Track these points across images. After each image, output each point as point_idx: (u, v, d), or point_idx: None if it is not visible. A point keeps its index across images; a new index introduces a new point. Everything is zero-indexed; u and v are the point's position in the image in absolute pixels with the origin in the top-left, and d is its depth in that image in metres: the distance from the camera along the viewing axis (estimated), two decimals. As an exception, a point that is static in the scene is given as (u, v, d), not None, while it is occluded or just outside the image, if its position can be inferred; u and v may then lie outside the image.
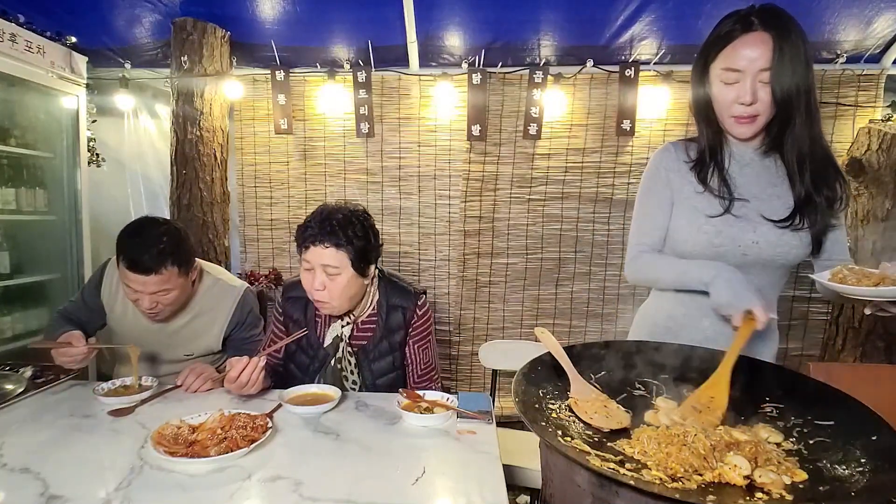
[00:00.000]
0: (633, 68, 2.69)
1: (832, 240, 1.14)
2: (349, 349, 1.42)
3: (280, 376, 1.49)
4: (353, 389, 1.44)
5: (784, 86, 1.01)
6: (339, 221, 1.32)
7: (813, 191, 1.09)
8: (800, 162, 1.09)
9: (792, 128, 1.06)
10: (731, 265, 1.08)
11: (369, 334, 1.44)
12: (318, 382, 1.39)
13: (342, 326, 1.42)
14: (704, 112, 1.14)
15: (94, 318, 1.63)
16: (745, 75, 1.03)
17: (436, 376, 1.51)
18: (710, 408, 0.85)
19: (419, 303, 1.46)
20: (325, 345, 1.43)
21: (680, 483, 0.67)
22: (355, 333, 1.44)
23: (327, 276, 1.32)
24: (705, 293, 1.06)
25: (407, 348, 1.46)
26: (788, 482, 0.68)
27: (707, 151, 1.16)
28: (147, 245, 1.38)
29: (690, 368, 0.96)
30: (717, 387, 0.88)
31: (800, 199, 1.10)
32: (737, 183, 1.15)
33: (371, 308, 1.45)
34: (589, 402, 0.86)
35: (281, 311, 1.50)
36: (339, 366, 1.43)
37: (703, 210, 1.15)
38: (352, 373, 1.43)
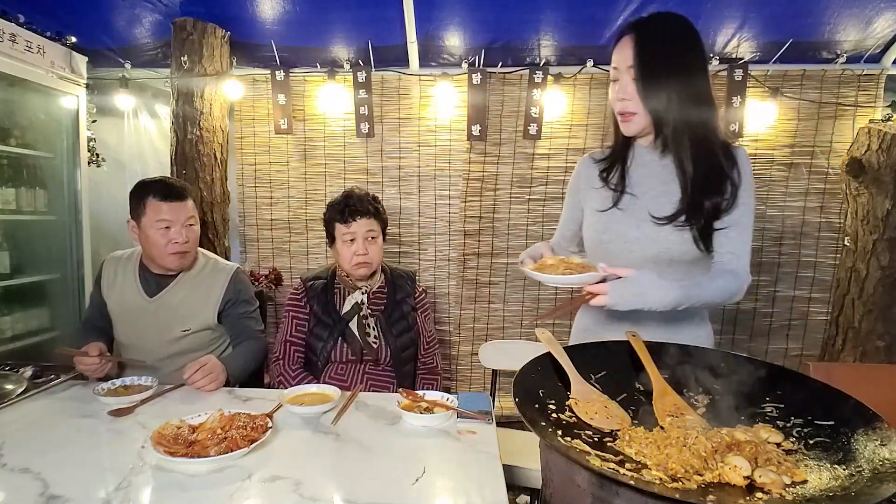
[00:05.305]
0: (633, 68, 2.69)
1: (720, 236, 1.12)
2: (369, 311, 1.73)
3: (303, 351, 1.74)
4: (374, 345, 1.70)
5: (648, 81, 1.07)
6: (371, 198, 1.74)
7: (696, 191, 1.11)
8: (684, 161, 1.11)
9: (671, 127, 1.09)
10: (623, 262, 1.13)
11: (384, 301, 1.77)
12: (341, 341, 1.68)
13: (361, 294, 1.74)
14: (613, 115, 1.20)
15: (106, 316, 1.70)
16: (620, 72, 1.11)
17: (438, 346, 1.90)
18: (683, 414, 0.85)
19: (416, 279, 1.88)
20: (342, 312, 1.72)
21: (680, 483, 0.67)
22: (371, 301, 1.75)
23: (368, 241, 1.69)
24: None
25: (416, 317, 1.81)
26: (788, 482, 0.67)
27: (613, 152, 1.24)
28: (172, 179, 1.68)
29: (689, 366, 0.96)
30: (667, 393, 0.89)
31: (683, 199, 1.12)
32: (632, 181, 1.20)
33: (381, 282, 1.80)
34: (589, 403, 0.86)
35: (304, 297, 1.75)
36: (361, 324, 1.71)
37: (594, 206, 1.23)
38: (373, 328, 1.72)
